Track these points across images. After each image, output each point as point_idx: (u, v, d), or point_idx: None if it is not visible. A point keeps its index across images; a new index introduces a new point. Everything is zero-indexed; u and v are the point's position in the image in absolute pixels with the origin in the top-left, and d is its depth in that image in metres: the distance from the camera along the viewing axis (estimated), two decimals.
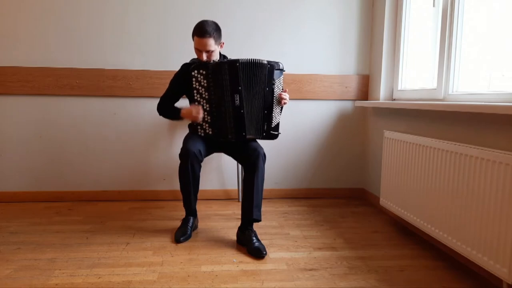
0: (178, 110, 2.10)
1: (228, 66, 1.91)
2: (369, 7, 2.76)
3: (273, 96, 1.98)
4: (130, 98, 2.67)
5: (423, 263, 1.78)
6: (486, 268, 1.49)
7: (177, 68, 2.20)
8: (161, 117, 2.21)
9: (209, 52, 1.97)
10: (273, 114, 2.00)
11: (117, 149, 2.71)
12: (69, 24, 2.57)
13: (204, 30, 1.92)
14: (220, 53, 2.13)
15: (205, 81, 1.95)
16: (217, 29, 1.97)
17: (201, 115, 1.99)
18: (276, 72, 1.96)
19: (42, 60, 2.58)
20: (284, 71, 2.00)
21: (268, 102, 1.98)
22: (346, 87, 2.80)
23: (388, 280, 1.61)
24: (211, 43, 1.94)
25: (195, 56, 2.17)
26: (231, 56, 2.23)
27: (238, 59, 1.91)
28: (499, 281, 1.56)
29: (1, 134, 2.62)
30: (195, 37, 1.96)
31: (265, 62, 1.93)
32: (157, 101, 2.21)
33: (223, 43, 2.07)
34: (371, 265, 1.75)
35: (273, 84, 1.96)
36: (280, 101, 2.00)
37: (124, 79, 2.63)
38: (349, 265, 1.75)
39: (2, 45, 2.55)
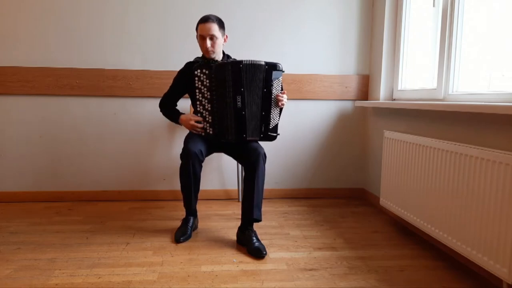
0: (178, 114, 2.10)
1: (231, 67, 1.91)
2: (369, 7, 2.76)
3: (271, 98, 1.97)
4: (130, 98, 2.67)
5: (423, 263, 1.79)
6: (486, 268, 1.49)
7: (177, 68, 2.20)
8: (161, 117, 2.21)
9: (213, 39, 1.99)
10: (271, 116, 2.00)
11: (117, 149, 2.71)
12: (69, 24, 2.57)
13: (207, 17, 1.99)
14: (223, 52, 2.13)
15: (207, 81, 1.95)
16: (220, 20, 2.03)
17: (199, 126, 2.00)
18: (274, 73, 1.95)
19: (42, 60, 2.58)
20: (283, 71, 1.99)
21: (266, 104, 1.97)
22: (346, 87, 2.80)
23: (388, 280, 1.61)
24: (215, 28, 1.98)
25: (195, 56, 2.18)
26: (232, 56, 2.23)
27: (242, 61, 1.90)
28: (499, 281, 1.56)
29: (1, 134, 2.62)
30: (198, 26, 2.00)
31: (263, 63, 1.92)
32: (157, 101, 2.22)
33: (226, 36, 2.09)
34: (371, 265, 1.75)
35: (271, 85, 1.96)
36: (277, 103, 1.99)
37: (124, 79, 2.63)
38: (349, 265, 1.75)
39: (2, 45, 2.55)
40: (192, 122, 2.01)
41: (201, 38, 2.00)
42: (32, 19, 2.54)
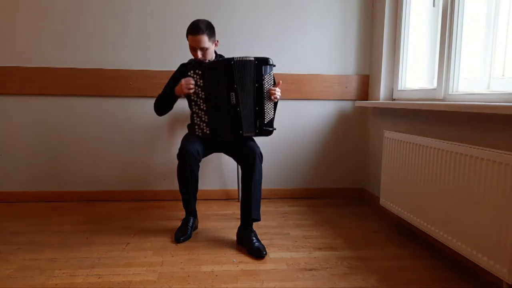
0: (171, 92, 2.06)
1: (223, 65, 1.93)
2: (369, 7, 2.76)
3: (263, 93, 1.98)
4: (130, 98, 2.67)
5: (423, 263, 1.79)
6: (486, 268, 1.49)
7: (176, 68, 2.20)
8: (161, 117, 2.21)
9: (204, 50, 1.98)
10: (265, 110, 2.00)
11: (117, 149, 2.71)
12: (69, 24, 2.57)
13: (197, 27, 1.94)
14: (216, 53, 2.14)
15: (201, 81, 1.96)
16: (209, 27, 1.99)
17: (192, 82, 1.95)
18: (264, 68, 1.95)
19: (42, 60, 2.58)
20: (274, 66, 1.98)
21: (259, 98, 1.98)
22: (346, 87, 2.80)
23: (388, 280, 1.61)
24: (205, 40, 1.95)
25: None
26: (229, 56, 2.22)
27: (233, 58, 1.92)
28: (499, 281, 1.56)
29: (1, 134, 2.62)
30: (189, 36, 1.98)
31: (253, 58, 1.93)
32: None
33: (217, 41, 2.08)
34: (371, 265, 1.75)
35: (263, 80, 1.96)
36: (270, 97, 1.99)
37: (124, 79, 2.63)
38: (349, 265, 1.75)
39: (2, 45, 2.55)
40: (183, 84, 1.95)
41: (192, 49, 2.00)
42: (32, 19, 2.54)
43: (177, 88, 2.02)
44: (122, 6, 2.59)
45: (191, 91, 1.97)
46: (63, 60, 2.59)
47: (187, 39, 2.00)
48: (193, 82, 1.96)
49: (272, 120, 2.04)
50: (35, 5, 2.54)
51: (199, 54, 1.98)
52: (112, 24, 2.60)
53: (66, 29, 2.58)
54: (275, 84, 2.02)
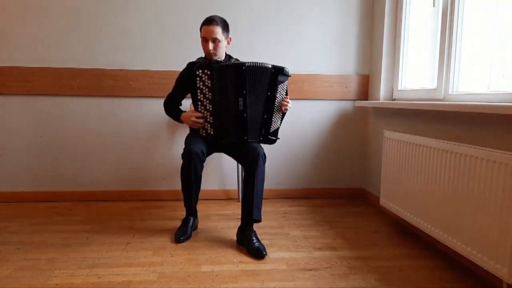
0: (179, 112, 2.11)
1: (234, 69, 1.90)
2: (369, 7, 2.76)
3: (274, 101, 1.96)
4: (130, 98, 2.67)
5: (423, 263, 1.78)
6: (486, 268, 1.49)
7: (177, 68, 2.21)
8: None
9: (216, 42, 1.97)
10: (273, 119, 2.00)
11: (117, 149, 2.71)
12: (69, 24, 2.57)
13: (211, 19, 1.96)
14: (226, 53, 2.13)
15: (209, 82, 1.94)
16: (224, 22, 2.00)
17: (200, 121, 1.99)
18: (280, 77, 1.94)
19: (42, 60, 2.58)
20: (289, 76, 1.98)
21: (268, 107, 1.97)
22: (346, 87, 2.80)
23: (388, 280, 1.61)
24: (218, 31, 1.95)
25: (195, 57, 2.17)
26: (233, 56, 2.22)
27: (244, 63, 1.89)
28: (499, 281, 1.56)
29: (1, 134, 2.62)
30: (202, 27, 1.98)
31: (270, 66, 1.91)
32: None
33: (230, 39, 2.08)
34: (371, 265, 1.75)
35: (276, 89, 1.95)
36: (281, 107, 2.00)
37: (124, 79, 2.63)
38: (349, 265, 1.75)
39: (2, 45, 2.55)
40: (193, 119, 2.00)
41: (204, 40, 1.99)
42: (32, 19, 2.54)
43: (184, 115, 2.05)
44: (122, 6, 2.59)
45: (197, 126, 2.01)
46: (63, 60, 2.59)
47: (200, 32, 2.00)
48: (201, 121, 1.99)
49: (277, 130, 2.04)
50: (35, 5, 2.53)
51: (210, 45, 1.97)
52: (112, 24, 2.60)
53: (66, 29, 2.58)
54: (286, 95, 2.02)
